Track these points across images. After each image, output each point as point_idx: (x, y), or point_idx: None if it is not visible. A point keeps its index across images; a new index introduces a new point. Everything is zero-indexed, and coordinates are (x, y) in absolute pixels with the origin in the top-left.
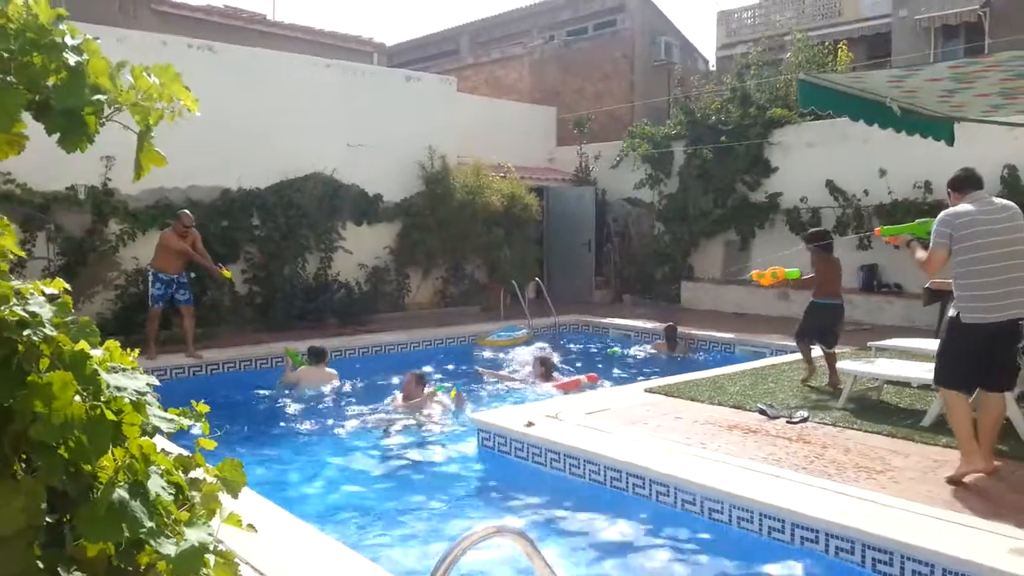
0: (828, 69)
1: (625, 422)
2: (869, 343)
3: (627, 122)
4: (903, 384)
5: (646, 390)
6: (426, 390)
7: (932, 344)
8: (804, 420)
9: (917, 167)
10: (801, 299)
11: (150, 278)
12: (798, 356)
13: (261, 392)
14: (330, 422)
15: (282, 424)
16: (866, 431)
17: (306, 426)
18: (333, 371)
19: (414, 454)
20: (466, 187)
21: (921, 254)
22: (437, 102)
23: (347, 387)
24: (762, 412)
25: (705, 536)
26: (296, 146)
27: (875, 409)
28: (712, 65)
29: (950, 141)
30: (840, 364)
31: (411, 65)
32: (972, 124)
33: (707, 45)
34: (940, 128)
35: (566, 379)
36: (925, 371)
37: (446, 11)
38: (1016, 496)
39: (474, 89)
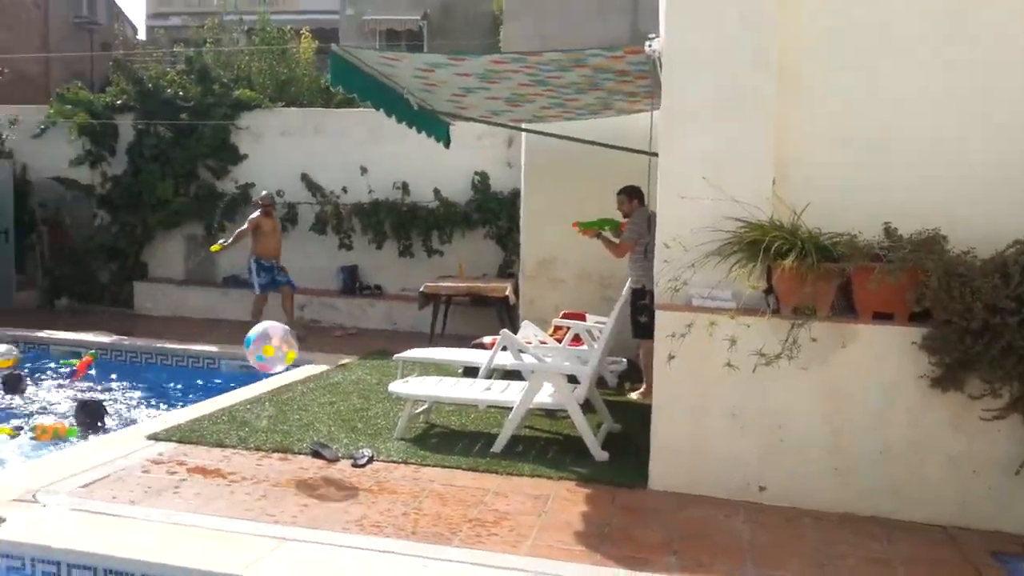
0: (290, 55)
1: (144, 492)
2: (396, 356)
3: (41, 84)
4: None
5: (149, 436)
6: None
7: (455, 354)
8: (370, 460)
9: (395, 168)
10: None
11: (253, 266)
12: (306, 370)
13: None
14: None
15: None
16: (443, 466)
17: None
18: None
19: None
20: None
21: (612, 243)
22: None
23: None
24: (316, 454)
25: None
26: None
27: (432, 436)
28: (141, 34)
29: (447, 143)
30: (393, 386)
31: None
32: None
33: (136, 11)
34: (439, 128)
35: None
36: (489, 392)
37: None
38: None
39: None
